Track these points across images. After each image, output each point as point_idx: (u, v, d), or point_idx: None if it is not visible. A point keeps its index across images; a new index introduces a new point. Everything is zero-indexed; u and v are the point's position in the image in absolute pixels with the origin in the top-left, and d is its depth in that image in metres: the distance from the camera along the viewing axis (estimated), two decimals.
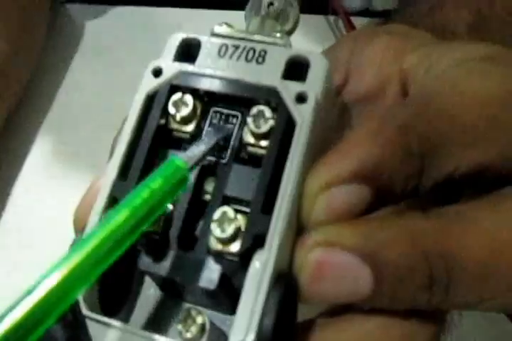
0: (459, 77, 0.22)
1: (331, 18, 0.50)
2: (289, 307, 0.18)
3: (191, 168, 0.19)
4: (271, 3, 0.25)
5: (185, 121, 0.21)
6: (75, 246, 0.16)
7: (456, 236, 0.19)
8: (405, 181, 0.20)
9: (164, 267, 0.19)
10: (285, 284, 0.18)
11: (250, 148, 0.20)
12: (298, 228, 0.20)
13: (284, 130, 0.19)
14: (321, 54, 0.21)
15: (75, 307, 0.17)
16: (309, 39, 0.48)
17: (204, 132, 0.21)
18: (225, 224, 0.18)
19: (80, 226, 0.21)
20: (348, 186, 0.19)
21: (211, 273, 0.19)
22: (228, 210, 0.19)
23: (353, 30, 0.46)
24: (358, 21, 0.49)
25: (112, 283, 0.20)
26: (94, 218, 0.20)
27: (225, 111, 0.21)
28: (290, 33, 0.26)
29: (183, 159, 0.19)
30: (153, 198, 0.17)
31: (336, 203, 0.19)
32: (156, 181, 0.18)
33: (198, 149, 0.19)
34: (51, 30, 0.50)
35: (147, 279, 0.21)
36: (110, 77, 0.49)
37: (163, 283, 0.20)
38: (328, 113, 0.22)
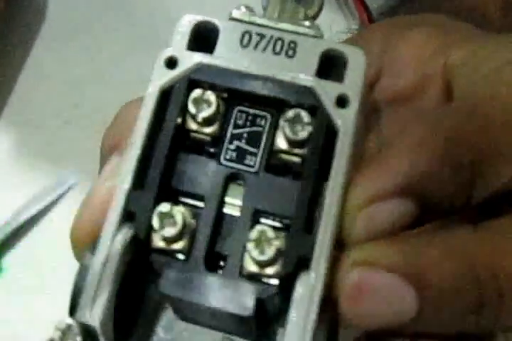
0: None
1: None
2: (334, 334, 0.20)
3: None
4: None
5: (208, 122, 0.21)
6: None
7: (510, 252, 0.21)
8: (454, 195, 0.21)
9: (190, 291, 0.20)
10: (331, 310, 0.19)
11: (283, 156, 0.21)
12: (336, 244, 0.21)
13: (324, 138, 0.21)
14: (360, 48, 0.22)
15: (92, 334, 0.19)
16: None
17: (228, 134, 0.22)
18: (263, 245, 0.20)
19: (80, 247, 0.22)
20: (392, 201, 0.20)
21: (245, 298, 0.20)
22: (267, 229, 0.20)
23: (365, 9, 0.47)
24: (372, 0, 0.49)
25: (128, 308, 0.21)
26: (106, 237, 0.20)
27: (252, 111, 0.22)
28: (313, 19, 0.26)
29: None
30: None
31: (378, 220, 0.20)
32: None
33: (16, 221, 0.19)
34: (7, 8, 0.50)
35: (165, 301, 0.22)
36: (79, 65, 0.48)
37: (183, 307, 0.21)
38: (363, 115, 0.23)
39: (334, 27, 0.47)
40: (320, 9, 0.27)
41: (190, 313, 0.21)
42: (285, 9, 0.25)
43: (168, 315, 0.22)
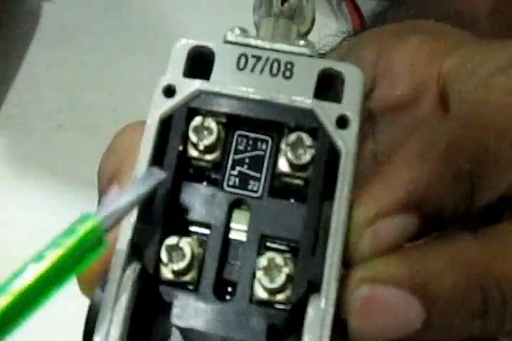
0: (509, 84, 0.23)
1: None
2: None
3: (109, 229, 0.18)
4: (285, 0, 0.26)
5: (209, 149, 0.21)
6: None
7: (510, 258, 0.21)
8: (455, 205, 0.21)
9: (201, 321, 0.20)
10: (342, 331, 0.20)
11: (285, 179, 0.21)
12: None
13: (326, 160, 0.21)
14: (356, 66, 0.22)
15: None
16: None
17: (230, 160, 0.22)
18: (273, 273, 0.20)
19: (86, 280, 0.21)
20: (395, 217, 0.21)
21: (256, 325, 0.20)
22: (276, 256, 0.20)
23: (358, 14, 0.47)
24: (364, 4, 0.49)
25: (138, 339, 0.21)
26: (115, 274, 0.20)
27: (252, 135, 0.22)
28: (306, 35, 0.26)
29: (98, 217, 0.18)
30: (55, 267, 0.17)
31: (383, 235, 0.21)
32: (63, 243, 0.17)
33: (120, 203, 0.19)
34: (1, 11, 0.50)
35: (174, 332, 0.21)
36: (72, 67, 0.49)
37: (194, 336, 0.21)
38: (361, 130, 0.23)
39: (324, 30, 0.47)
40: (312, 25, 0.27)
41: None
42: (278, 27, 0.25)
43: None
